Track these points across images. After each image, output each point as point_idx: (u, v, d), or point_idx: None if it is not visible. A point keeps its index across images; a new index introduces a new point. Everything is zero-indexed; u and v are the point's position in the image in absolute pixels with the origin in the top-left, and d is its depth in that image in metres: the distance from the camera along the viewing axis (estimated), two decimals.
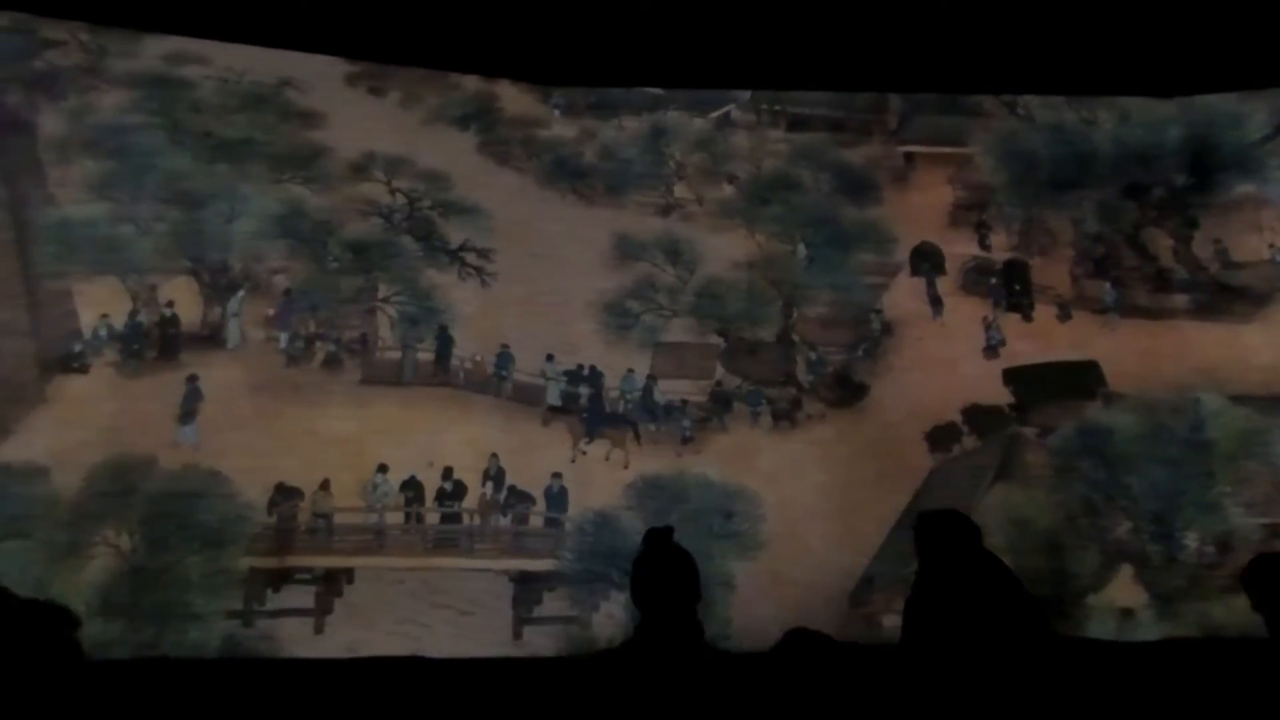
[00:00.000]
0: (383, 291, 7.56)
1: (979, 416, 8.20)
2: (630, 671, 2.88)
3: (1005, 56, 8.66)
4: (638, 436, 7.79)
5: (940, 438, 8.13)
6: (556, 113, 8.89)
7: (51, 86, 7.62)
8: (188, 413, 7.12)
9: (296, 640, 6.71)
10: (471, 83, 8.73)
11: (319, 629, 6.76)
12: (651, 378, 8.02)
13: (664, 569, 3.05)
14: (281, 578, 6.83)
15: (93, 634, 6.62)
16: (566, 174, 8.64)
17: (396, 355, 7.52)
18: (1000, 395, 8.22)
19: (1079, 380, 8.35)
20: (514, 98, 8.83)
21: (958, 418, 8.12)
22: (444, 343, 7.60)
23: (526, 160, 8.61)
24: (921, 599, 3.30)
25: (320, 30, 8.27)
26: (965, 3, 8.43)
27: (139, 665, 6.68)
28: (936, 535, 3.41)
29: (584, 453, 7.67)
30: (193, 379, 7.22)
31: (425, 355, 7.58)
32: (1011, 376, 8.33)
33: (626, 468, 7.66)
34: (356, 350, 7.41)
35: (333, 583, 6.86)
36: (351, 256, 7.54)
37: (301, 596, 6.83)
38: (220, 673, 7.06)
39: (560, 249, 8.37)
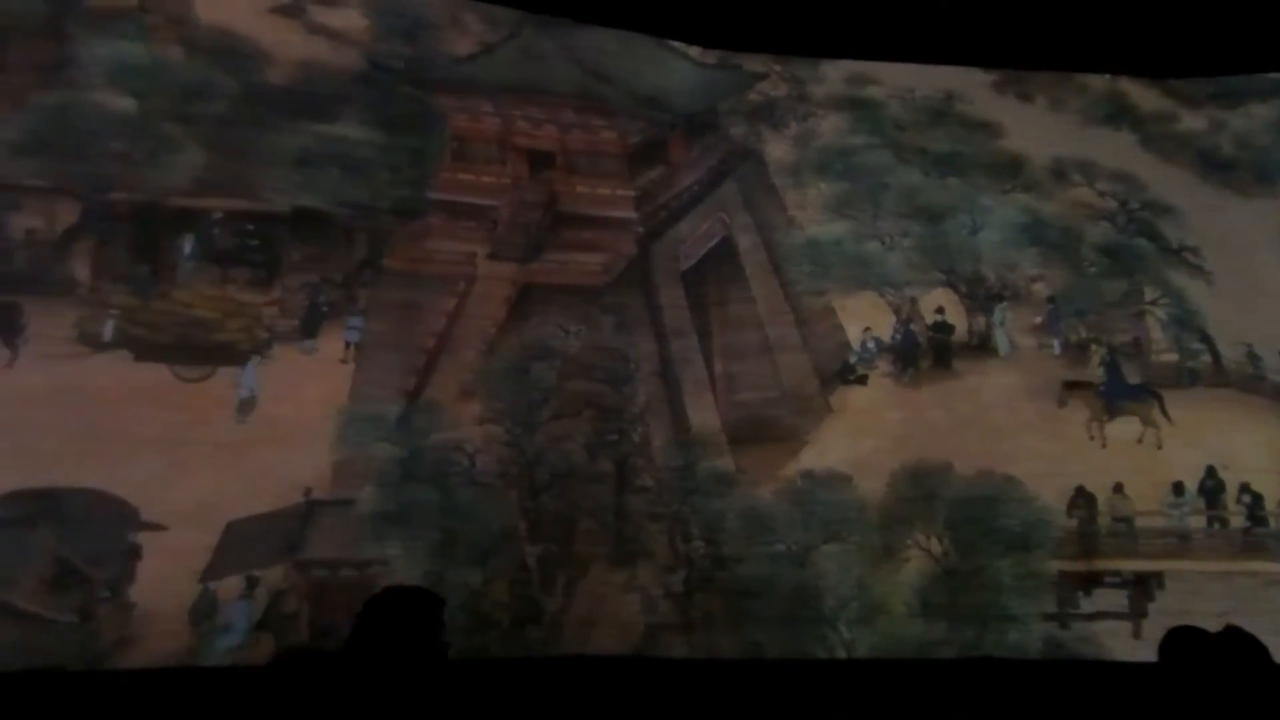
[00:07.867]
0: (1149, 295, 7.56)
1: None
2: None
3: None
4: (1164, 410, 7.27)
5: None
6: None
7: (770, 116, 8.08)
8: None
9: (1116, 643, 6.74)
10: (1098, 82, 8.65)
11: (1136, 633, 6.76)
12: None
13: None
14: (1091, 581, 6.88)
15: (915, 634, 6.90)
16: (1215, 167, 8.40)
17: (1170, 358, 7.49)
18: None
19: None
20: (1138, 93, 8.69)
21: None
22: (1212, 343, 7.50)
23: (1180, 155, 8.46)
24: None
25: (949, 39, 8.43)
26: None
27: (964, 665, 6.91)
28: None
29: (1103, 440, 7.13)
30: None
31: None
32: None
33: (1160, 449, 7.18)
34: (1130, 354, 7.43)
35: (1143, 586, 6.84)
36: (1108, 262, 7.57)
37: (1114, 600, 6.86)
38: (1042, 674, 7.21)
39: (1240, 243, 8.10)
